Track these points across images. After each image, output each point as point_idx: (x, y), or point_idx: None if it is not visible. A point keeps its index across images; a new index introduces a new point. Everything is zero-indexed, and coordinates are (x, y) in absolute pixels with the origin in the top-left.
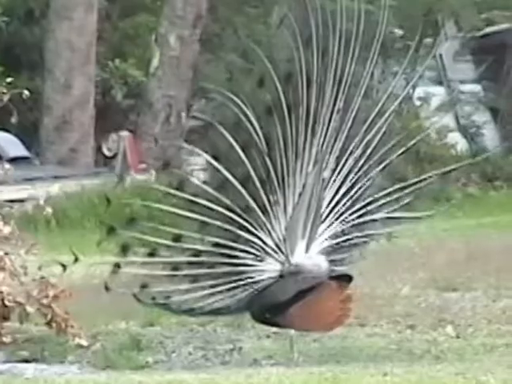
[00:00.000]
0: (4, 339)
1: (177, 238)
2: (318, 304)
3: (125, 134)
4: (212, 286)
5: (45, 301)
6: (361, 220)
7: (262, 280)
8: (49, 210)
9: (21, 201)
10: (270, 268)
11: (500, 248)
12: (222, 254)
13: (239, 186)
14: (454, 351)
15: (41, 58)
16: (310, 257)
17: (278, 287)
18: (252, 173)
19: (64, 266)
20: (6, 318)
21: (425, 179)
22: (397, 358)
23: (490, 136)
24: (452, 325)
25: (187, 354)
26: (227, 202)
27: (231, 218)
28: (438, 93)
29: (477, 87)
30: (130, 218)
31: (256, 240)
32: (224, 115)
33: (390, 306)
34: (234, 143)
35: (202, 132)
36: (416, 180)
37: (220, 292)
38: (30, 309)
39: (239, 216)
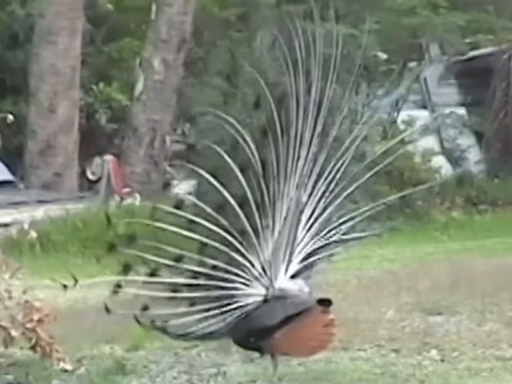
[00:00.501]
0: None
1: (177, 259)
2: (304, 329)
3: (109, 157)
4: (206, 310)
5: (29, 325)
6: (330, 241)
7: (248, 304)
8: (33, 234)
9: (5, 225)
10: (255, 292)
11: (485, 272)
12: (218, 277)
13: (237, 208)
14: (439, 375)
15: (25, 83)
16: (294, 281)
17: (265, 312)
18: (249, 195)
19: (65, 286)
20: None
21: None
22: (381, 381)
23: (475, 160)
24: (437, 349)
25: (172, 378)
26: (225, 223)
27: (228, 240)
28: (422, 116)
29: (461, 111)
30: (130, 236)
31: (247, 263)
32: (220, 137)
33: (374, 330)
34: (233, 164)
35: (186, 156)
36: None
37: (213, 316)
38: (14, 333)
39: (235, 238)
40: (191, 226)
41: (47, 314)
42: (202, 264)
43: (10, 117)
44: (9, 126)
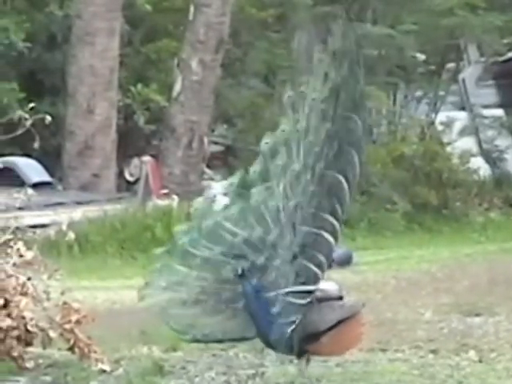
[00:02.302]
0: (27, 364)
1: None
2: (348, 331)
3: (147, 159)
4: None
5: (67, 326)
6: None
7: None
8: (71, 235)
9: (43, 226)
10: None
11: None
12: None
13: None
14: (477, 376)
15: (63, 84)
16: (325, 281)
17: (316, 316)
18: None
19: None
20: (28, 344)
21: None
22: (419, 383)
23: None
24: (475, 349)
25: (210, 379)
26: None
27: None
28: (461, 118)
29: (499, 112)
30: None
31: None
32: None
33: (413, 331)
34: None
35: (224, 157)
36: None
37: None
38: (52, 334)
39: None
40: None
41: (85, 315)
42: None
43: (48, 118)
44: (47, 127)
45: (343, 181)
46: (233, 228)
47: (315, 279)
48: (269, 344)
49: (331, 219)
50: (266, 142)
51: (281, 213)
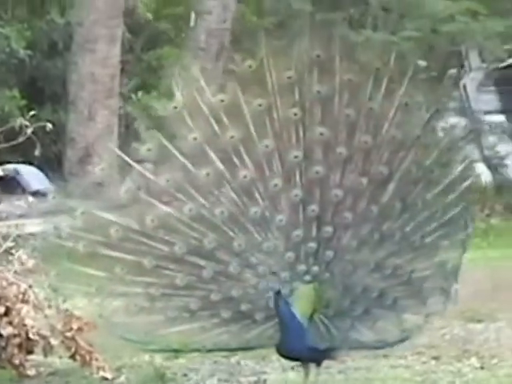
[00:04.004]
0: (28, 372)
1: None
2: None
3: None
4: None
5: (69, 333)
6: None
7: None
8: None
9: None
10: None
11: None
12: None
13: None
14: (479, 382)
15: (64, 91)
16: None
17: None
18: None
19: None
20: (30, 351)
21: None
22: None
23: None
24: (477, 356)
25: None
26: None
27: None
28: (462, 124)
29: (501, 118)
30: None
31: None
32: None
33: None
34: None
35: None
36: None
37: None
38: (54, 342)
39: None
40: None
41: (87, 322)
42: None
43: (49, 125)
44: (48, 135)
45: None
46: None
47: None
48: (290, 353)
49: None
50: None
51: None
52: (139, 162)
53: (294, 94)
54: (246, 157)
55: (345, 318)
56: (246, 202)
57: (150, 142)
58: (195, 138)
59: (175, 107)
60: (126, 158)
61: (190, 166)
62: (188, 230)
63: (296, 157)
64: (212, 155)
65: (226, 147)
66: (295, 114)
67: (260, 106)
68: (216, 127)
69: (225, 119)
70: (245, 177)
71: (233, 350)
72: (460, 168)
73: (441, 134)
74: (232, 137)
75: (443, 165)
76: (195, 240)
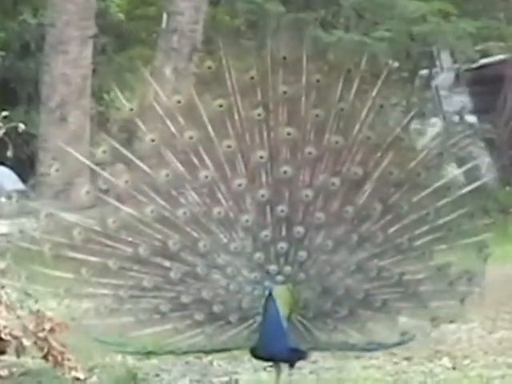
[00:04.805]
0: (1, 373)
1: None
2: None
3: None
4: None
5: (41, 334)
6: None
7: None
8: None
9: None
10: None
11: (497, 280)
12: None
13: None
14: (451, 382)
15: (36, 92)
16: None
17: None
18: None
19: None
20: (2, 352)
21: None
22: None
23: (486, 167)
24: (448, 356)
25: None
26: None
27: None
28: (434, 124)
29: (473, 118)
30: None
31: None
32: None
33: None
34: None
35: None
36: None
37: None
38: (26, 342)
39: None
40: None
41: (59, 323)
42: None
43: (22, 126)
44: (20, 136)
45: None
46: None
47: None
48: (269, 355)
49: None
50: None
51: None
52: (99, 163)
53: (257, 95)
54: (206, 157)
55: (326, 319)
56: (208, 202)
57: (104, 144)
58: (153, 140)
59: (131, 109)
60: (82, 159)
61: (145, 167)
62: (151, 232)
63: (261, 157)
64: (170, 156)
65: (185, 148)
66: (259, 115)
67: (221, 106)
68: (173, 128)
69: (182, 120)
70: (206, 177)
71: (208, 352)
72: (452, 173)
73: (423, 136)
74: (191, 137)
75: (431, 168)
76: (159, 241)
